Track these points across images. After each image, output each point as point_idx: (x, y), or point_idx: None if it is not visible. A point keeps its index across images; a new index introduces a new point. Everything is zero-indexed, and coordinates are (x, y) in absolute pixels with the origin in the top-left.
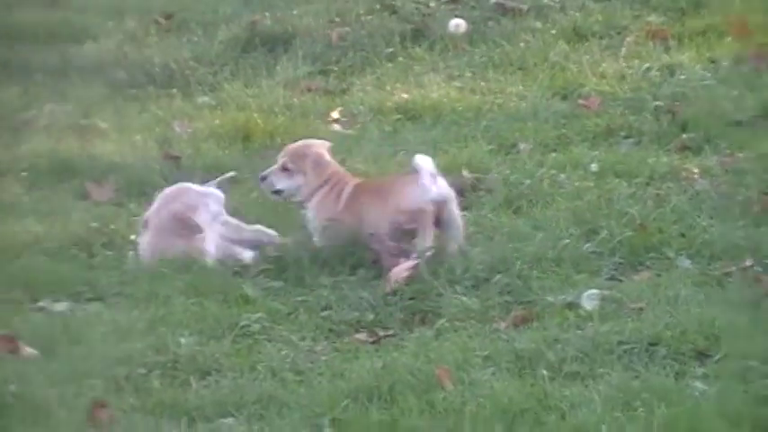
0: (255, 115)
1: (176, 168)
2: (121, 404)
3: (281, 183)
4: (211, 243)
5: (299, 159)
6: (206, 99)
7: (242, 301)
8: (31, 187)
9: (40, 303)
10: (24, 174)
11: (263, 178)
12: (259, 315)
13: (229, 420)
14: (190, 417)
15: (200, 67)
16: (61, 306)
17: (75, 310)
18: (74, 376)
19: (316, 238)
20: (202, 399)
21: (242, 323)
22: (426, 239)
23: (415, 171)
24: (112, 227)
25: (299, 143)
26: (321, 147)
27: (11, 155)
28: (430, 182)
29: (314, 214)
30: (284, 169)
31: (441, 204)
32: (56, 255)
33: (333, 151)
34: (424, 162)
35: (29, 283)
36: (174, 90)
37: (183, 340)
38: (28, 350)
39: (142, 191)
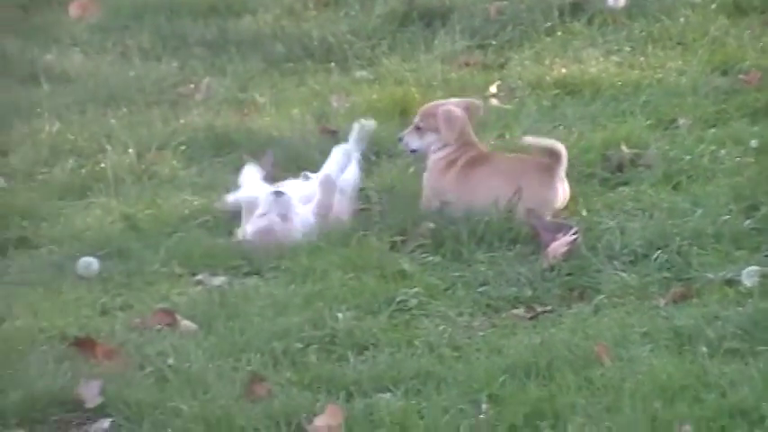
0: (413, 90)
1: (334, 143)
2: (278, 378)
3: (415, 142)
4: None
5: (430, 118)
6: (363, 73)
7: (399, 275)
8: (188, 161)
9: (198, 277)
10: (182, 147)
11: (401, 139)
12: (416, 290)
13: (387, 395)
14: (347, 391)
15: (358, 41)
16: (219, 280)
17: (232, 284)
18: (231, 350)
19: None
20: (360, 373)
21: (399, 298)
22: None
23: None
24: None
25: (432, 103)
26: (452, 104)
27: (169, 128)
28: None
29: (427, 173)
30: (417, 129)
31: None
32: (213, 229)
33: (490, 125)
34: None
35: (187, 257)
36: (332, 64)
37: (340, 315)
38: (186, 324)
39: (299, 165)
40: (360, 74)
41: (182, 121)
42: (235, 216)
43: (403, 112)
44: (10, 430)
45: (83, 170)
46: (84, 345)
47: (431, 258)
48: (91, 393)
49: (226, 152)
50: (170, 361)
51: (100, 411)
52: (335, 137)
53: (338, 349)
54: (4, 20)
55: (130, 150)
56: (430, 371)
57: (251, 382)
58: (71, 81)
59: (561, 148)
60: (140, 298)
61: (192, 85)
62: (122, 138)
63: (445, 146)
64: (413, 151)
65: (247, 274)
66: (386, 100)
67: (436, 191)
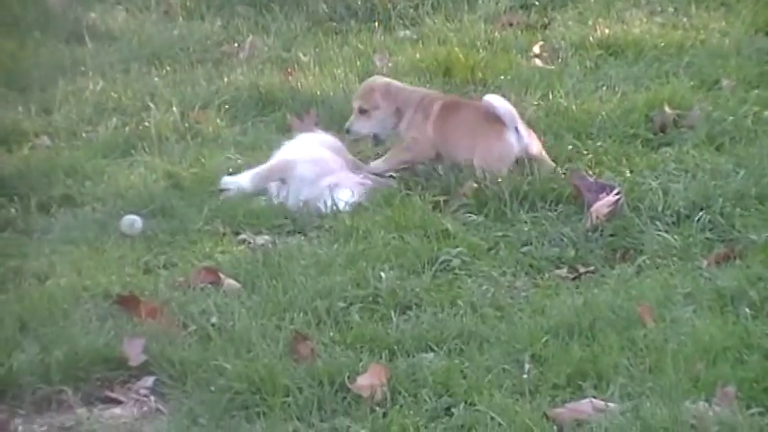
0: (457, 49)
1: None
2: (322, 337)
3: (365, 126)
4: None
5: (369, 96)
6: (407, 33)
7: (442, 235)
8: (232, 120)
9: (242, 236)
10: (226, 106)
11: (348, 131)
12: (459, 250)
13: (429, 355)
14: (390, 351)
15: (402, 1)
16: (262, 239)
17: (275, 243)
18: (275, 309)
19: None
20: (402, 333)
21: (442, 258)
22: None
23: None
24: None
25: (365, 83)
26: (385, 79)
27: (213, 87)
28: (515, 138)
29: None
30: (362, 112)
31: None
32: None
33: (533, 86)
34: (508, 114)
35: (230, 216)
36: (375, 23)
37: (383, 274)
38: (229, 282)
39: (343, 125)
40: (403, 33)
41: (225, 79)
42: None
43: (446, 72)
44: (54, 387)
45: (126, 128)
46: (128, 303)
47: (474, 218)
48: (134, 351)
49: (269, 111)
50: (213, 319)
51: (143, 369)
52: None
53: (381, 309)
54: None
55: (174, 109)
56: (473, 331)
57: (294, 341)
58: (115, 39)
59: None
60: (184, 256)
61: (236, 44)
62: (166, 96)
63: (401, 112)
64: (375, 138)
65: (290, 233)
66: (429, 60)
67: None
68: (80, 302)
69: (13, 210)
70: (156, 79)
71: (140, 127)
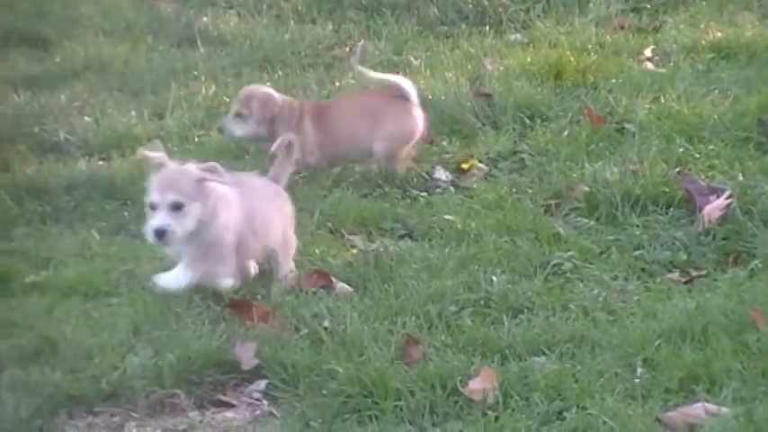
0: (567, 53)
1: (487, 106)
2: (433, 341)
3: (238, 129)
4: None
5: (248, 102)
6: (518, 36)
7: (554, 239)
8: None
9: (353, 239)
10: None
11: (220, 129)
12: (571, 253)
13: (541, 359)
14: (502, 354)
15: (512, 5)
16: (373, 243)
17: (387, 247)
18: (386, 313)
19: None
20: (514, 337)
21: (553, 261)
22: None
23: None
24: (424, 164)
25: (247, 88)
26: (268, 89)
27: (324, 91)
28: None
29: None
30: (238, 115)
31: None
32: (367, 191)
33: (645, 89)
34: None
35: (341, 220)
36: (486, 27)
37: (494, 278)
38: (342, 286)
39: (453, 129)
40: (514, 37)
41: (337, 83)
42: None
43: (557, 76)
44: (167, 390)
45: None
46: (241, 306)
47: (585, 222)
48: (247, 355)
49: None
50: (325, 323)
51: (255, 373)
52: (489, 100)
53: (493, 312)
54: None
55: None
56: (584, 334)
57: (406, 344)
58: (227, 44)
59: (402, 80)
60: (296, 260)
61: (347, 48)
62: None
63: (275, 123)
64: (237, 139)
65: (402, 237)
66: (540, 63)
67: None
68: (193, 306)
69: (125, 214)
70: (268, 83)
71: None
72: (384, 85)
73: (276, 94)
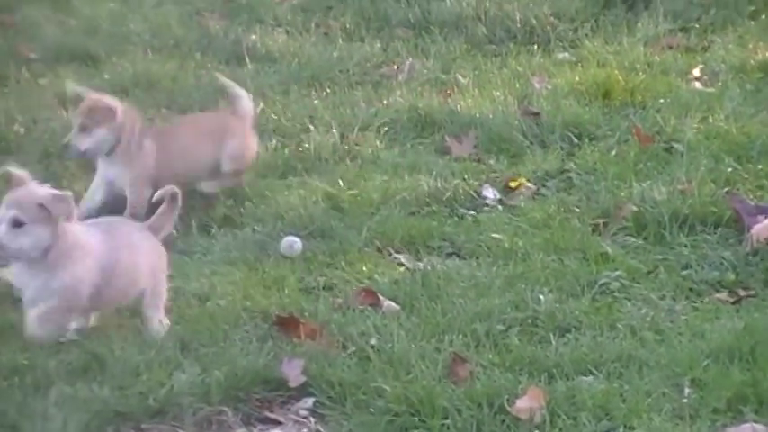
0: (616, 72)
1: (535, 125)
2: (480, 360)
3: (84, 142)
4: None
5: (94, 114)
6: (566, 55)
7: (601, 258)
8: (391, 141)
9: (400, 257)
10: (385, 128)
11: (66, 146)
12: (618, 273)
13: (588, 378)
14: (549, 373)
15: (561, 24)
16: (420, 261)
17: (434, 265)
18: (433, 331)
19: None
20: (561, 356)
21: (601, 281)
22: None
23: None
24: (472, 182)
25: (89, 99)
26: (112, 100)
27: (372, 109)
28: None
29: (122, 166)
30: (83, 129)
31: None
32: (415, 209)
33: (693, 109)
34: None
35: (389, 237)
36: (534, 46)
37: (542, 297)
38: (388, 304)
39: (501, 147)
40: (562, 56)
41: (384, 101)
42: (436, 197)
43: (605, 95)
44: (214, 407)
45: (286, 150)
46: (288, 324)
47: (633, 241)
48: (294, 372)
49: (428, 133)
50: (373, 341)
51: (302, 390)
52: (537, 118)
53: (540, 331)
54: (210, 0)
55: (333, 131)
56: (632, 354)
57: (453, 363)
58: (275, 61)
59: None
60: (343, 278)
61: (395, 66)
62: (326, 118)
63: (120, 138)
64: (83, 153)
65: (449, 255)
66: (588, 82)
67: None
68: (240, 323)
69: (174, 231)
70: (316, 101)
71: (300, 148)
72: (233, 97)
73: (119, 105)
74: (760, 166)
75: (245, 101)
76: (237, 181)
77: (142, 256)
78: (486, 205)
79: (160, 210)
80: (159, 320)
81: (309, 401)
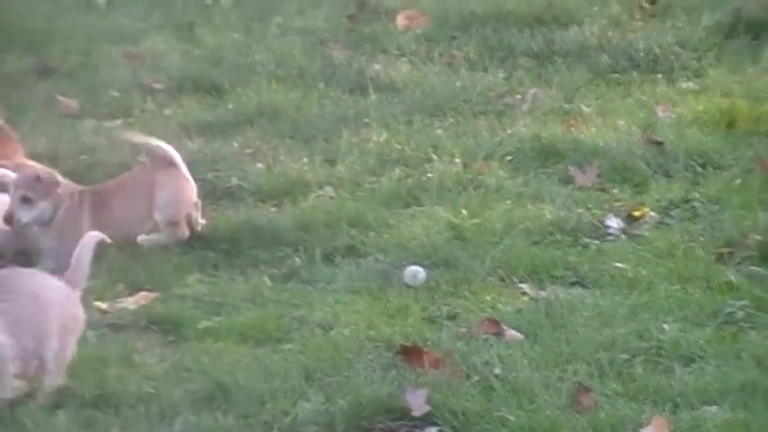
0: (740, 101)
1: (659, 154)
2: (605, 389)
3: (27, 215)
4: None
5: (36, 185)
6: (689, 84)
7: (726, 287)
8: (514, 171)
9: (524, 287)
10: (508, 158)
11: (8, 220)
12: (743, 302)
13: (713, 408)
14: (673, 403)
15: (684, 53)
16: (544, 290)
17: (557, 294)
18: (557, 360)
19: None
20: (686, 385)
21: (726, 310)
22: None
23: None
24: (595, 212)
25: (26, 171)
26: (49, 169)
27: (495, 139)
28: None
29: (57, 235)
30: (25, 200)
31: None
32: (538, 238)
33: None
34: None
35: (512, 267)
36: (658, 75)
37: (666, 326)
38: (512, 333)
39: (625, 176)
40: (686, 85)
41: (508, 131)
42: (560, 227)
43: (729, 124)
44: None
45: (409, 179)
46: (411, 353)
47: (758, 270)
48: (417, 402)
49: (551, 162)
50: (496, 370)
51: (426, 420)
52: (661, 148)
53: (664, 361)
54: (333, 30)
55: (457, 160)
56: (757, 384)
57: (577, 392)
58: (398, 91)
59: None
60: (466, 307)
61: (519, 96)
62: (449, 147)
63: (59, 206)
64: (24, 226)
65: (573, 285)
66: (712, 111)
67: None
68: (364, 352)
69: (297, 260)
70: (439, 131)
71: (423, 178)
72: (149, 151)
73: (59, 176)
74: None
75: (168, 151)
76: (178, 233)
77: (51, 312)
78: (610, 234)
79: (75, 260)
80: (55, 385)
81: (433, 431)
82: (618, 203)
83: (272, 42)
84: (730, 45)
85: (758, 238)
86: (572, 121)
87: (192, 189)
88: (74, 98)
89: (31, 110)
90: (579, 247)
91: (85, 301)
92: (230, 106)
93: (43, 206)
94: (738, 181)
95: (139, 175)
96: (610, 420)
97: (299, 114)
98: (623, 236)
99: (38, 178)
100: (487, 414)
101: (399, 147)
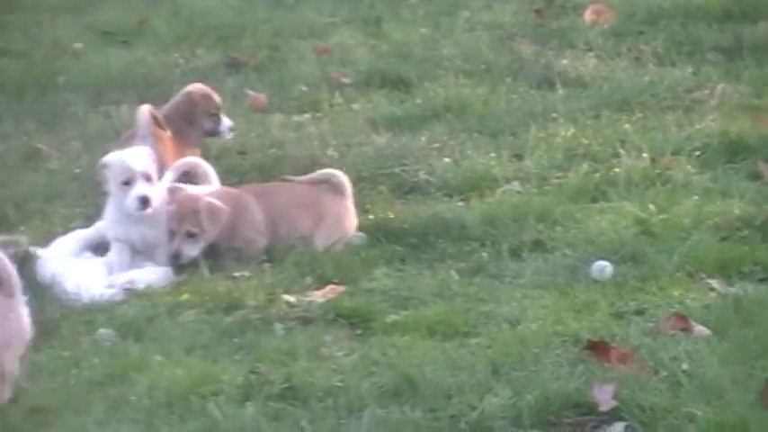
0: None
1: None
2: None
3: (195, 249)
4: None
5: (196, 219)
6: None
7: None
8: (702, 166)
9: (712, 282)
10: (696, 153)
11: (177, 257)
12: None
13: None
14: None
15: None
16: (732, 286)
17: (746, 290)
18: (745, 356)
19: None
20: None
21: None
22: None
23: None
24: None
25: (182, 202)
26: (202, 195)
27: (683, 134)
28: None
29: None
30: (190, 236)
31: None
32: (726, 234)
33: None
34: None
35: (700, 262)
36: None
37: None
38: (699, 328)
39: None
40: None
41: (696, 126)
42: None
43: None
44: (525, 430)
45: (596, 174)
46: (598, 348)
47: None
48: (605, 397)
49: (740, 158)
50: (684, 366)
51: (613, 415)
52: None
53: None
54: (521, 24)
55: (644, 155)
56: None
57: (766, 388)
58: (585, 86)
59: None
60: (654, 302)
61: (707, 91)
62: (636, 142)
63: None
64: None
65: (762, 281)
66: None
67: None
68: (551, 347)
69: (485, 254)
70: (627, 125)
71: (610, 173)
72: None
73: (216, 202)
74: None
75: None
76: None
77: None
78: None
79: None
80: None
81: (620, 426)
82: None
83: (459, 37)
84: None
85: None
86: (761, 117)
87: (352, 220)
88: (262, 92)
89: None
90: None
91: (273, 295)
92: (418, 101)
93: (208, 236)
94: None
95: (307, 190)
96: None
97: (486, 109)
98: None
99: (195, 211)
100: (675, 409)
101: (587, 142)
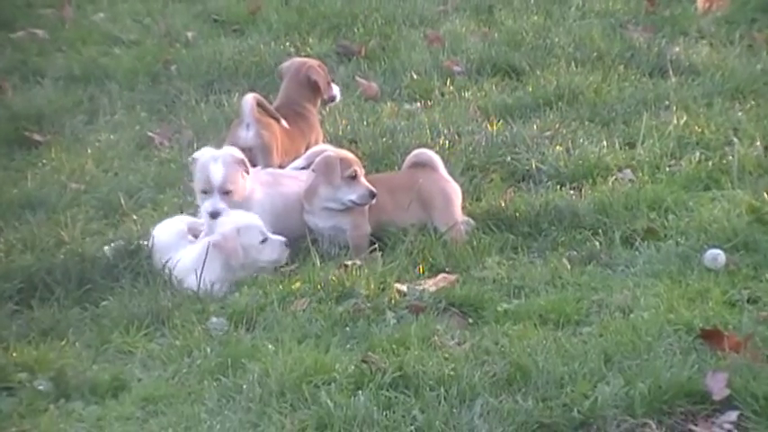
0: None
1: None
2: None
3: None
4: None
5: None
6: None
7: None
8: None
9: None
10: None
11: (361, 200)
12: None
13: None
14: None
15: None
16: None
17: None
18: None
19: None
20: None
21: None
22: None
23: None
24: None
25: (318, 149)
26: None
27: None
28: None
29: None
30: (351, 177)
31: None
32: None
33: None
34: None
35: None
36: None
37: None
38: None
39: None
40: None
41: None
42: None
43: None
44: (638, 420)
45: (709, 163)
46: (712, 337)
47: None
48: (718, 385)
49: None
50: None
51: (727, 404)
52: None
53: None
54: (633, 12)
55: (758, 143)
56: None
57: None
58: (698, 74)
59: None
60: (767, 290)
61: None
62: (749, 130)
63: None
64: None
65: None
66: None
67: None
68: (663, 335)
69: (597, 243)
70: (740, 113)
71: (723, 161)
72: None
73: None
74: None
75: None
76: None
77: None
78: None
79: None
80: None
81: (734, 415)
82: None
83: (571, 25)
84: None
85: None
86: None
87: (455, 187)
88: (374, 81)
89: None
90: None
91: (384, 283)
92: (529, 89)
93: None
94: None
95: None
96: None
97: (598, 97)
98: None
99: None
100: None
101: (699, 130)
